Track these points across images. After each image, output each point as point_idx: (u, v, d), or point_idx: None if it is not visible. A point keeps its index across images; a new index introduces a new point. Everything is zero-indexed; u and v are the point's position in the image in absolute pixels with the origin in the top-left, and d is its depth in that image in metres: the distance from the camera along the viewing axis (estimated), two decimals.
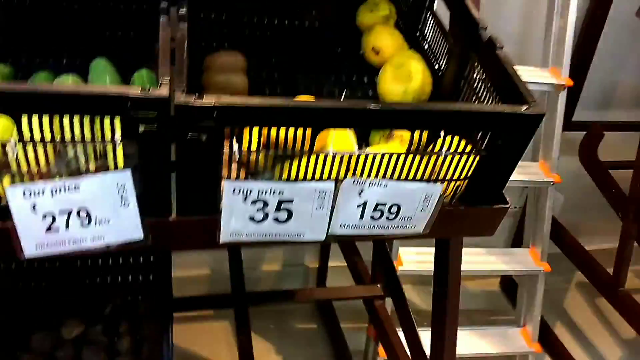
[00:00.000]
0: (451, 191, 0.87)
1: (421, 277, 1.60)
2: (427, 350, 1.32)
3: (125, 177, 0.73)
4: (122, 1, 1.11)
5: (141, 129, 0.69)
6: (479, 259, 1.81)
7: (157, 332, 1.14)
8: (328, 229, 0.84)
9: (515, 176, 1.68)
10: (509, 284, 2.33)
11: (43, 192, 0.71)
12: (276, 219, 0.81)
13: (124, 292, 1.22)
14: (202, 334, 1.93)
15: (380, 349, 1.71)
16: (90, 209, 0.74)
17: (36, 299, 1.20)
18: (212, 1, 1.16)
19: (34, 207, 0.71)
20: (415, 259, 1.66)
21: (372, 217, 0.84)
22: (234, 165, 0.78)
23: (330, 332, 2.06)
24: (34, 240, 0.73)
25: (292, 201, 0.79)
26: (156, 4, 0.82)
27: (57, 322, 1.15)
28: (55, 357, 1.11)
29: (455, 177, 0.84)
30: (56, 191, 0.71)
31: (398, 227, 0.86)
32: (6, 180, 0.72)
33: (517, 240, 2.20)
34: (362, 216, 0.83)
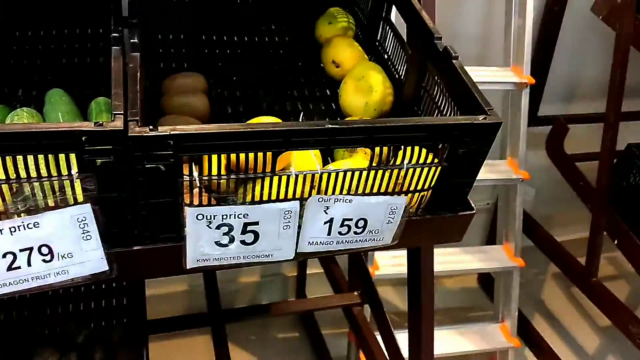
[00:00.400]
0: (416, 201, 0.87)
1: (400, 279, 1.61)
2: (406, 352, 1.33)
3: (85, 211, 0.72)
4: (78, 27, 1.10)
5: (98, 162, 0.68)
6: (454, 258, 1.83)
7: (132, 357, 1.13)
8: (296, 248, 0.84)
9: (485, 174, 1.72)
10: (487, 280, 2.35)
11: (1, 232, 0.70)
12: (243, 242, 0.80)
13: (97, 318, 1.21)
14: (181, 351, 1.92)
15: (362, 354, 1.72)
16: (52, 245, 0.73)
17: (7, 330, 1.18)
18: (169, 22, 1.16)
19: None
20: (392, 263, 1.67)
21: (339, 233, 0.84)
22: (196, 191, 0.78)
23: (311, 340, 2.06)
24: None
25: (257, 223, 0.79)
26: (110, 32, 0.82)
27: (29, 352, 1.13)
28: None
29: (419, 187, 0.85)
30: (15, 229, 0.70)
31: (366, 240, 0.87)
32: None
33: (491, 237, 2.22)
34: (329, 232, 0.83)
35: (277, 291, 2.21)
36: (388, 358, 1.45)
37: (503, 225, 1.92)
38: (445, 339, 1.82)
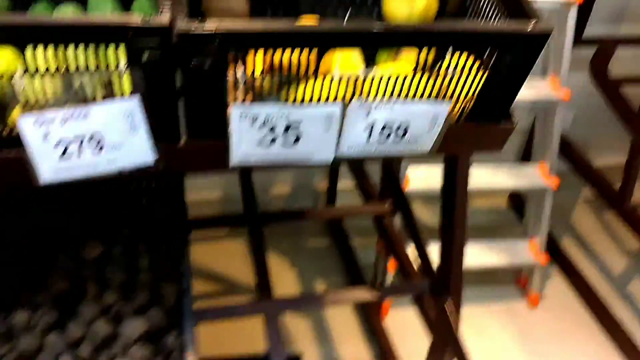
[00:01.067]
0: (459, 109, 0.87)
1: (429, 195, 1.62)
2: (435, 265, 1.37)
3: (133, 105, 0.74)
4: None
5: (144, 57, 0.69)
6: (487, 175, 1.83)
7: (174, 251, 1.19)
8: (336, 151, 0.85)
9: (525, 92, 1.68)
10: (517, 201, 2.36)
11: (53, 121, 0.72)
12: (284, 143, 0.82)
13: (141, 215, 1.26)
14: (217, 253, 2.00)
15: (389, 264, 1.77)
16: (101, 136, 0.75)
17: (55, 223, 1.24)
18: None
19: (45, 136, 0.73)
20: (423, 177, 1.68)
21: (379, 138, 0.84)
22: (240, 90, 0.79)
23: (340, 249, 2.12)
24: (49, 167, 0.75)
25: (299, 124, 0.80)
26: None
27: (76, 245, 1.19)
28: (79, 276, 1.16)
29: (463, 95, 0.84)
30: (66, 120, 0.72)
31: (406, 146, 0.87)
32: (16, 111, 0.73)
33: (526, 156, 2.21)
34: (369, 137, 0.84)
35: (308, 203, 2.26)
36: (416, 267, 1.49)
37: (539, 144, 1.90)
38: (473, 253, 1.85)
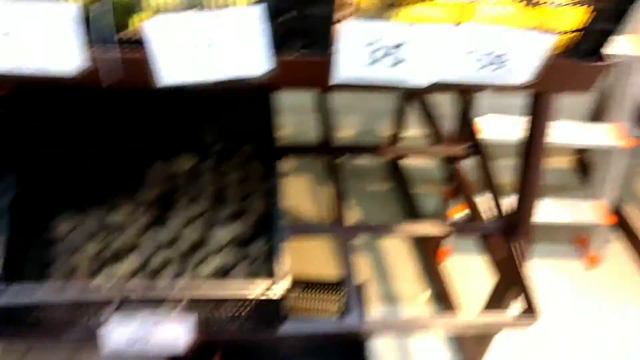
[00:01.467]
0: (558, 44, 0.89)
1: (500, 144, 1.64)
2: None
3: (252, 13, 0.79)
4: None
5: None
6: (561, 131, 1.82)
7: (262, 168, 1.26)
8: (435, 75, 0.88)
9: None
10: (583, 163, 2.34)
11: (175, 26, 0.78)
12: (388, 63, 0.86)
13: (232, 134, 1.33)
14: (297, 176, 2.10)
15: (453, 209, 1.81)
16: (217, 42, 0.81)
17: (152, 132, 1.31)
18: None
19: (167, 38, 0.79)
20: (496, 127, 1.69)
21: (478, 65, 0.87)
22: (349, 8, 0.83)
23: (401, 193, 2.16)
24: (167, 69, 0.82)
25: (404, 46, 0.84)
26: None
27: (169, 155, 1.27)
28: (173, 184, 1.24)
29: (563, 29, 0.86)
30: (185, 26, 0.78)
31: (502, 77, 0.90)
32: (142, 15, 0.79)
33: (595, 118, 2.18)
34: (469, 64, 0.87)
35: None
36: (483, 212, 1.52)
37: (614, 104, 1.87)
38: (538, 209, 1.86)
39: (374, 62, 0.86)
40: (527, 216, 1.34)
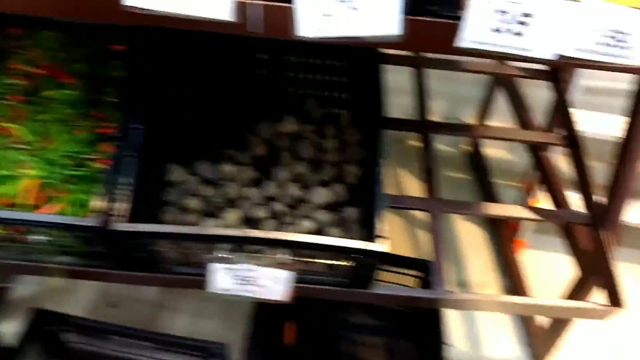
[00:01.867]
0: None
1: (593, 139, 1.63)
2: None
3: None
4: None
5: None
6: None
7: (363, 135, 1.31)
8: (561, 49, 0.90)
9: None
10: None
11: None
12: (513, 31, 0.89)
13: (334, 104, 1.39)
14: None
15: (532, 201, 1.80)
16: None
17: (260, 91, 1.38)
18: None
19: None
20: (592, 122, 1.68)
21: (604, 43, 0.89)
22: None
23: (482, 181, 2.16)
24: (311, 23, 0.87)
25: (532, 16, 0.86)
26: None
27: (274, 118, 1.34)
28: (274, 144, 1.31)
29: None
30: None
31: (619, 56, 0.91)
32: None
33: None
34: (595, 42, 0.89)
35: None
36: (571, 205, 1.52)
37: None
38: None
39: (500, 29, 0.88)
40: (618, 209, 1.34)
